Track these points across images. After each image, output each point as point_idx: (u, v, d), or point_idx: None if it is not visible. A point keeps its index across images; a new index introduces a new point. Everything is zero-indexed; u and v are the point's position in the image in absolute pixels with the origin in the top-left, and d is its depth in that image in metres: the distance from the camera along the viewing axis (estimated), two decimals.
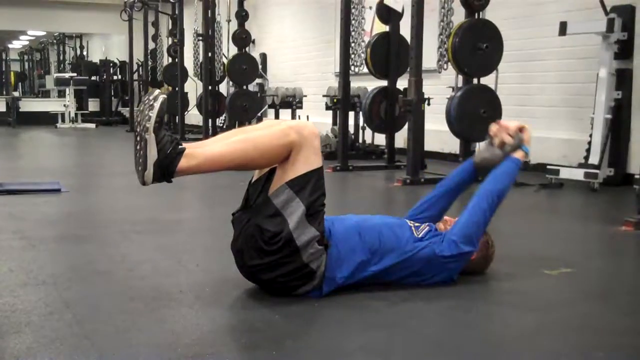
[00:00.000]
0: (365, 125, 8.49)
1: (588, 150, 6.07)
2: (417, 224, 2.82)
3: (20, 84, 25.62)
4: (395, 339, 2.18)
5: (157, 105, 2.42)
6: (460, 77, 6.47)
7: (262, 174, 2.63)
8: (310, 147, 2.52)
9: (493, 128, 2.98)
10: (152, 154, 2.41)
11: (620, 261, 3.57)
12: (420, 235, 2.74)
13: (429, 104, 6.91)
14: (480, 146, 3.06)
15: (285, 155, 2.51)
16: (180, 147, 2.45)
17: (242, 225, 2.56)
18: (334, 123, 8.76)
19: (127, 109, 15.98)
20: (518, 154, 2.92)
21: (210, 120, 11.32)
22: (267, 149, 2.50)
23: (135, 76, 16.94)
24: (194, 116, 13.62)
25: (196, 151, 2.48)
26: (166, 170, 2.44)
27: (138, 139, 2.43)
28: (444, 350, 2.11)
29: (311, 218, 2.49)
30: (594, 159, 5.95)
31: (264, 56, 13.44)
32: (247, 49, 11.62)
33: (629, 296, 2.86)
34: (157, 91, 2.49)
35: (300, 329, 2.31)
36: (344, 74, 7.46)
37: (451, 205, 3.07)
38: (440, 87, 7.18)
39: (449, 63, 6.36)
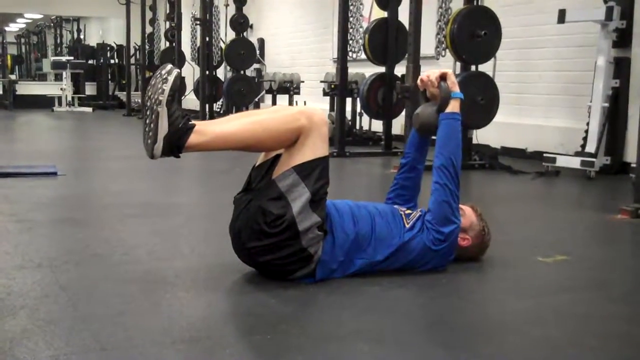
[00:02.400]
0: (362, 111, 8.48)
1: (585, 139, 6.06)
2: (408, 212, 2.81)
3: (17, 67, 25.52)
4: (389, 324, 2.19)
5: (171, 78, 2.43)
6: (458, 64, 6.45)
7: (267, 159, 2.63)
8: (318, 134, 2.52)
9: (418, 84, 2.90)
10: (163, 127, 2.41)
11: (616, 249, 3.58)
12: (410, 225, 2.73)
13: None
14: (416, 112, 2.97)
15: (293, 140, 2.51)
16: (190, 122, 2.45)
17: (243, 206, 2.56)
18: (332, 109, 8.74)
19: (124, 93, 15.92)
20: (451, 106, 2.81)
21: (207, 105, 11.30)
22: (276, 131, 2.51)
23: (133, 60, 16.87)
24: (191, 101, 13.58)
25: (206, 128, 2.49)
26: (176, 144, 2.44)
27: (149, 112, 2.43)
28: (437, 336, 2.12)
29: (314, 205, 2.50)
30: (590, 147, 5.94)
31: (261, 41, 13.40)
32: (244, 33, 11.57)
33: (624, 284, 2.87)
34: (170, 65, 2.49)
35: (295, 313, 2.31)
36: (342, 60, 7.43)
37: (421, 177, 3.04)
38: None
39: (447, 50, 6.35)
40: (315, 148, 2.52)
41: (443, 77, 2.84)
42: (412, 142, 3.03)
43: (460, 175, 2.78)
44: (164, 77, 2.43)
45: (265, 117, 2.55)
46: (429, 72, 2.88)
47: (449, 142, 2.79)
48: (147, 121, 2.43)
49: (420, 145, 3.01)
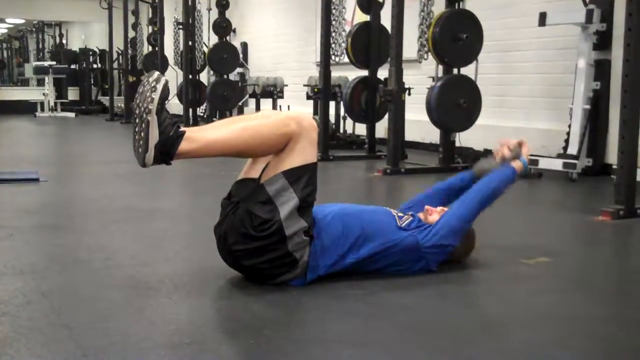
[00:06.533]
0: (346, 115, 8.49)
1: (567, 141, 6.10)
2: (400, 214, 2.83)
3: None
4: (373, 328, 2.19)
5: (159, 87, 2.43)
6: (441, 67, 6.48)
7: (248, 176, 2.64)
8: (308, 139, 2.54)
9: (498, 146, 3.07)
10: (154, 136, 2.41)
11: (597, 250, 3.60)
12: (403, 225, 2.75)
13: (409, 94, 6.93)
14: (480, 160, 3.16)
15: (283, 145, 2.52)
16: (180, 130, 2.45)
17: (230, 209, 2.57)
18: (315, 113, 8.75)
19: (107, 97, 15.86)
20: (515, 164, 2.98)
21: (190, 110, 11.27)
22: (266, 137, 2.52)
23: (115, 65, 16.80)
24: (174, 105, 13.54)
25: (196, 135, 2.49)
26: (167, 152, 2.44)
27: (138, 120, 2.42)
28: (421, 339, 2.13)
29: (302, 211, 2.51)
30: (572, 149, 5.98)
31: (244, 45, 13.39)
32: (227, 37, 11.56)
33: (605, 285, 2.89)
34: (157, 73, 2.49)
35: (279, 318, 2.31)
36: (325, 64, 7.44)
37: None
38: (420, 77, 7.19)
39: (430, 53, 6.37)
40: (304, 154, 2.53)
41: (520, 144, 3.03)
42: (456, 178, 3.16)
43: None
44: (153, 85, 2.43)
45: (255, 123, 2.56)
46: (508, 138, 3.09)
47: (498, 180, 2.92)
48: (137, 130, 2.42)
49: (461, 188, 3.07)
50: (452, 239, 2.76)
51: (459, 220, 2.78)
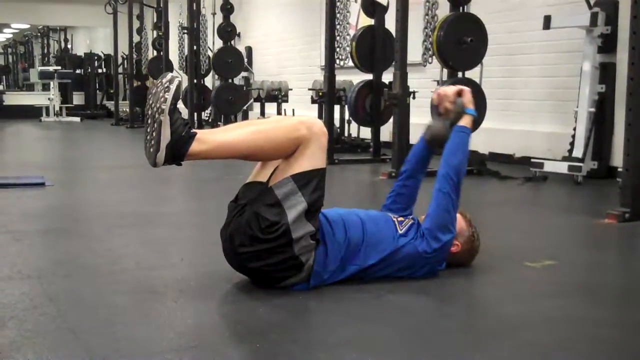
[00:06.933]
0: (350, 118, 8.49)
1: (572, 144, 6.10)
2: (400, 219, 2.83)
3: (4, 77, 25.46)
4: (379, 332, 2.19)
5: (173, 87, 2.46)
6: (445, 71, 6.48)
7: (257, 179, 2.65)
8: (317, 144, 2.54)
9: (434, 98, 2.95)
10: (166, 136, 2.43)
11: (603, 254, 3.59)
12: (403, 231, 2.75)
13: (414, 98, 6.92)
14: (428, 124, 3.05)
15: (293, 150, 2.53)
16: (192, 131, 2.47)
17: (237, 211, 2.57)
18: (320, 117, 8.75)
19: (112, 102, 15.89)
20: (464, 121, 2.88)
21: (195, 114, 11.29)
22: (277, 141, 2.53)
23: (120, 69, 16.85)
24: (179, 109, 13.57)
25: (208, 137, 2.50)
26: (178, 152, 2.45)
27: (150, 120, 2.44)
28: (426, 343, 2.13)
29: (309, 215, 2.51)
30: (577, 152, 5.98)
31: (249, 49, 13.41)
32: (232, 42, 11.58)
33: (611, 288, 2.88)
34: (170, 74, 2.51)
35: (285, 321, 2.31)
36: (330, 68, 7.44)
37: (419, 187, 3.07)
38: (425, 80, 7.18)
39: (434, 57, 6.37)
40: (313, 158, 2.54)
41: (459, 93, 2.90)
42: (415, 153, 3.09)
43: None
44: (166, 85, 2.45)
45: (266, 127, 2.57)
46: (446, 87, 2.93)
47: (457, 153, 2.85)
48: (149, 130, 2.44)
49: (423, 156, 3.07)
50: (448, 232, 2.74)
51: (446, 212, 2.75)
